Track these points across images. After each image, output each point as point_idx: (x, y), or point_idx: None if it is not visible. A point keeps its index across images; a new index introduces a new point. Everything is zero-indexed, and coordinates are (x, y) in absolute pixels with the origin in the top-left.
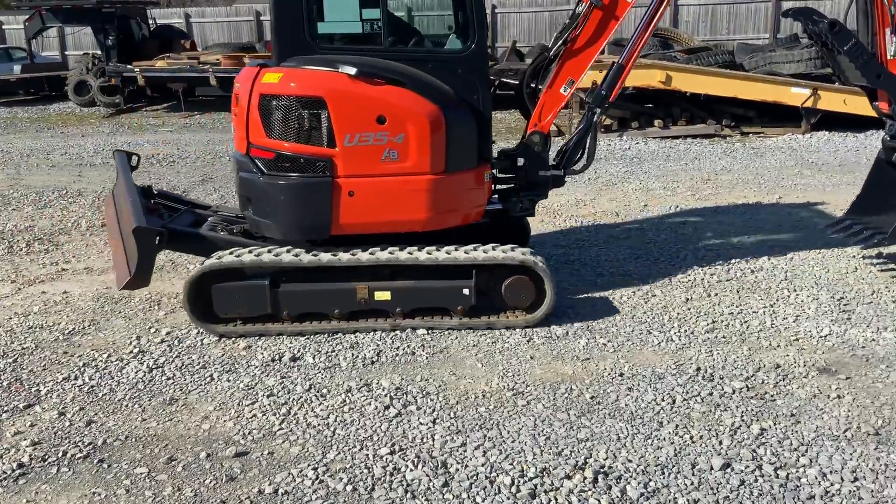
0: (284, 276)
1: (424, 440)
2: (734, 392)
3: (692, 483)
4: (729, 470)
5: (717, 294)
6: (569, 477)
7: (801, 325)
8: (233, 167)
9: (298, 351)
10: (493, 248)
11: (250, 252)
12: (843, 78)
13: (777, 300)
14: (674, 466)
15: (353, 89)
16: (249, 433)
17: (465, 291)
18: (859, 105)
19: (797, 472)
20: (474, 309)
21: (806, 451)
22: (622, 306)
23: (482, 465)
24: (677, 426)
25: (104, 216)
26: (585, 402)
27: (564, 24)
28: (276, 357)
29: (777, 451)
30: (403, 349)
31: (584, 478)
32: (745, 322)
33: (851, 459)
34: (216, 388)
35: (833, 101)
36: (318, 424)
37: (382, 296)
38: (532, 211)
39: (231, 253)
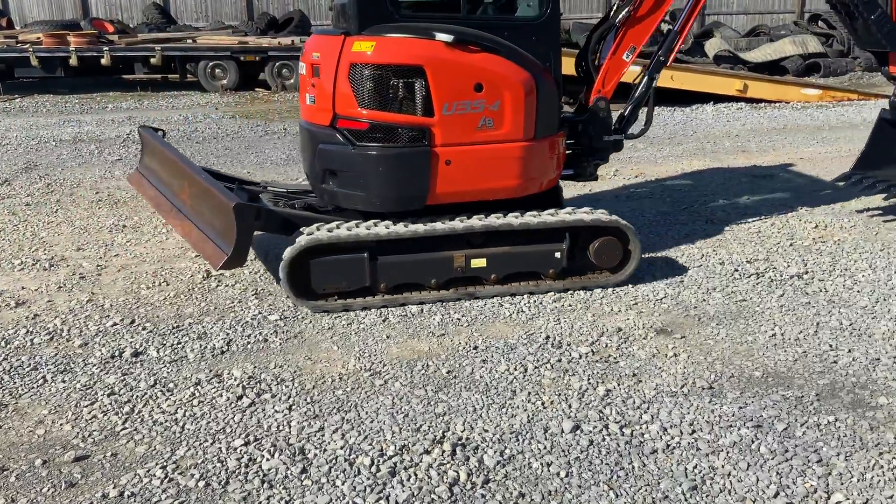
0: (383, 247)
1: (280, 428)
2: (581, 357)
3: (545, 447)
4: (579, 431)
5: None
6: (428, 452)
7: (640, 289)
8: (305, 140)
9: (141, 345)
10: (579, 212)
11: (341, 226)
12: (859, 43)
13: None
14: (527, 432)
15: (451, 57)
16: (90, 435)
17: (557, 255)
18: (686, 80)
19: (640, 428)
20: (564, 271)
21: (648, 408)
22: None
23: (341, 448)
24: (530, 393)
25: (142, 196)
26: (442, 376)
27: None
28: (117, 353)
29: (622, 409)
30: (255, 337)
31: (443, 451)
32: (589, 290)
33: (689, 413)
34: (50, 390)
35: (662, 77)
36: (166, 421)
37: (479, 263)
38: (596, 175)
39: (321, 228)
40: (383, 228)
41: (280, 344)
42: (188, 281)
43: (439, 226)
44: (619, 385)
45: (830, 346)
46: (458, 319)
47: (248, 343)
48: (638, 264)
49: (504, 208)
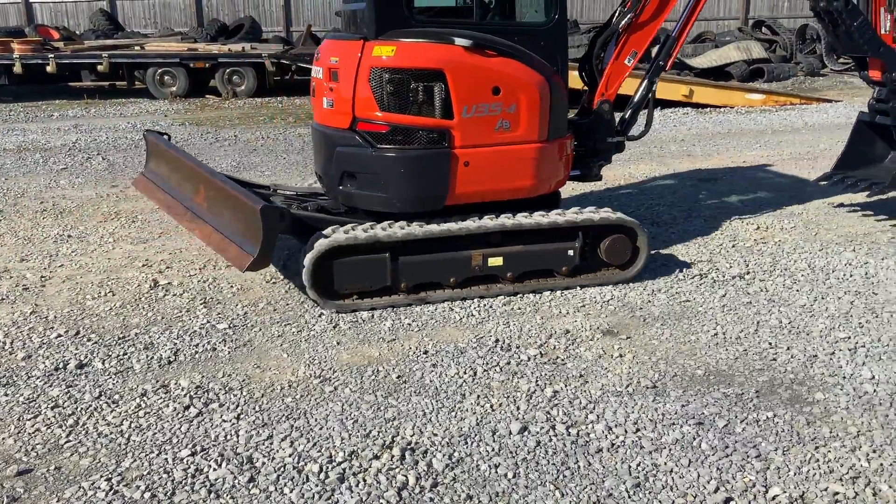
0: (404, 248)
1: (228, 437)
2: (529, 359)
3: (493, 449)
4: (526, 433)
5: None
6: (377, 457)
7: (587, 292)
8: (320, 143)
9: (86, 357)
10: (591, 211)
11: (375, 226)
12: (840, 49)
13: None
14: (476, 435)
15: (470, 61)
16: (33, 449)
17: (570, 252)
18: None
19: (586, 428)
20: (576, 269)
21: (594, 408)
22: None
23: (290, 456)
24: (479, 396)
25: (151, 200)
26: (392, 382)
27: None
28: (61, 365)
29: (568, 410)
30: (203, 346)
31: (392, 456)
32: (538, 293)
33: (633, 412)
34: None
35: None
36: (111, 433)
37: (495, 261)
38: (600, 176)
39: (338, 230)
40: (417, 228)
41: (229, 353)
42: (135, 291)
43: (471, 224)
44: (566, 386)
45: (770, 343)
46: (409, 325)
47: (196, 352)
48: (647, 261)
49: (509, 209)
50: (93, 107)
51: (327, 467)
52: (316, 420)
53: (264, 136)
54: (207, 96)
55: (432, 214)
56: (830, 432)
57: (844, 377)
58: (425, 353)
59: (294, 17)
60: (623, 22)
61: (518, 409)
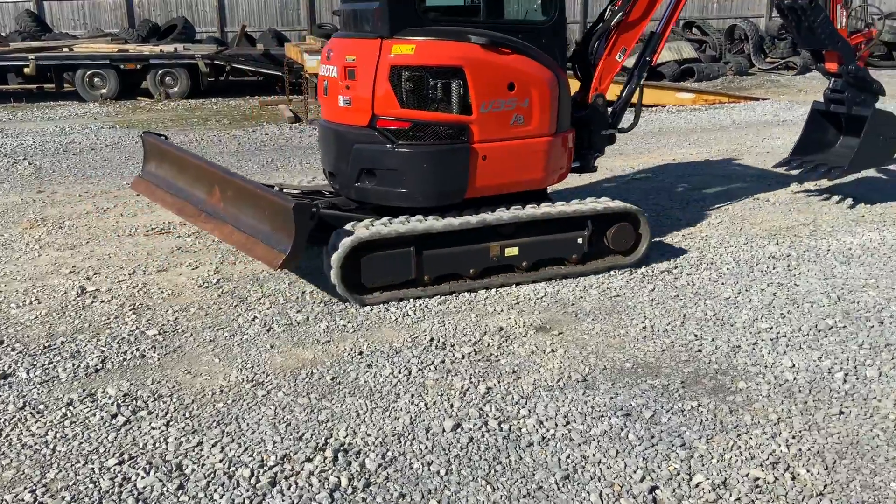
0: (427, 241)
1: (157, 445)
2: (464, 357)
3: (426, 447)
4: (459, 430)
5: None
6: (309, 459)
7: (521, 289)
8: (333, 141)
9: (9, 367)
10: (594, 200)
11: (410, 220)
12: (800, 42)
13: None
14: (409, 434)
15: (487, 58)
16: None
17: (580, 241)
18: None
19: (518, 423)
20: (585, 256)
21: (526, 402)
22: None
23: (220, 462)
24: (413, 396)
25: (155, 201)
26: (326, 384)
27: None
28: None
29: (501, 406)
30: (132, 353)
31: (325, 458)
32: (473, 292)
33: (564, 406)
34: None
35: None
36: (35, 444)
37: (511, 251)
38: (596, 168)
39: (370, 225)
40: (455, 220)
41: (158, 359)
42: (61, 298)
43: (494, 216)
44: (499, 382)
45: (696, 335)
46: (344, 326)
47: (125, 360)
48: (649, 246)
49: (506, 202)
50: (19, 110)
51: (258, 472)
52: (248, 425)
53: (198, 138)
54: (139, 98)
55: (450, 208)
56: (752, 420)
57: (766, 366)
58: (360, 354)
59: (228, 17)
60: (614, 20)
61: (452, 406)
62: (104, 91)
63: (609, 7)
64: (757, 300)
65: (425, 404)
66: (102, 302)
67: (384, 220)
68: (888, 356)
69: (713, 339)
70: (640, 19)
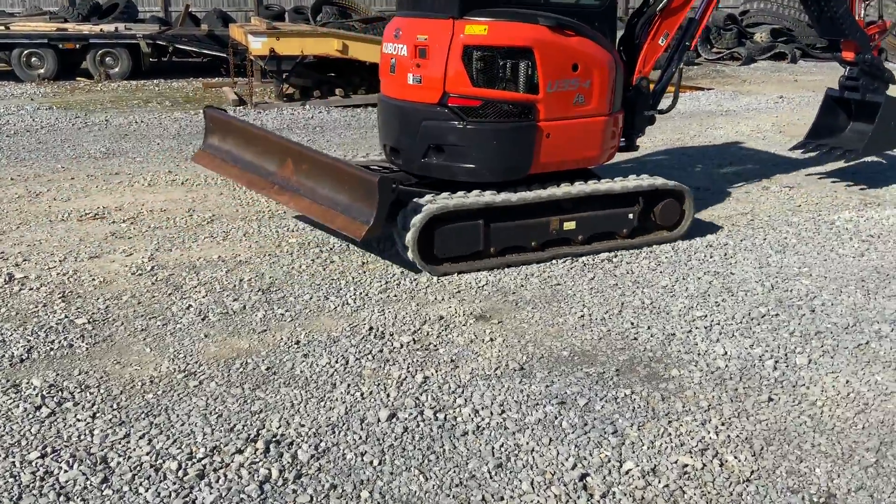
0: (494, 215)
1: (82, 437)
2: (402, 346)
3: (360, 437)
4: (395, 419)
5: (391, 256)
6: (240, 451)
7: (463, 278)
8: (399, 117)
9: None
10: (647, 177)
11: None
12: (818, 31)
13: None
14: (344, 424)
15: (554, 40)
16: None
17: (630, 216)
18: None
19: (454, 412)
20: (633, 230)
21: (462, 391)
22: (300, 274)
23: (147, 455)
24: (349, 385)
25: (220, 174)
26: (261, 374)
27: None
28: None
29: (437, 395)
30: (60, 342)
31: (256, 449)
32: (415, 280)
33: (500, 395)
34: None
35: None
36: None
37: (569, 225)
38: (637, 146)
39: (437, 199)
40: (522, 194)
41: (87, 349)
42: None
43: (567, 189)
44: (436, 372)
45: (632, 324)
46: (282, 315)
47: (52, 350)
48: (692, 223)
49: (556, 179)
50: None
51: (186, 464)
52: (178, 416)
53: (138, 120)
54: (78, 79)
55: (513, 183)
56: (683, 407)
57: (699, 354)
58: (297, 343)
59: None
60: (659, 6)
61: (388, 396)
62: (42, 71)
63: None
64: (693, 288)
65: (361, 394)
66: (31, 289)
67: (459, 193)
68: (818, 344)
69: (649, 328)
70: (683, 6)
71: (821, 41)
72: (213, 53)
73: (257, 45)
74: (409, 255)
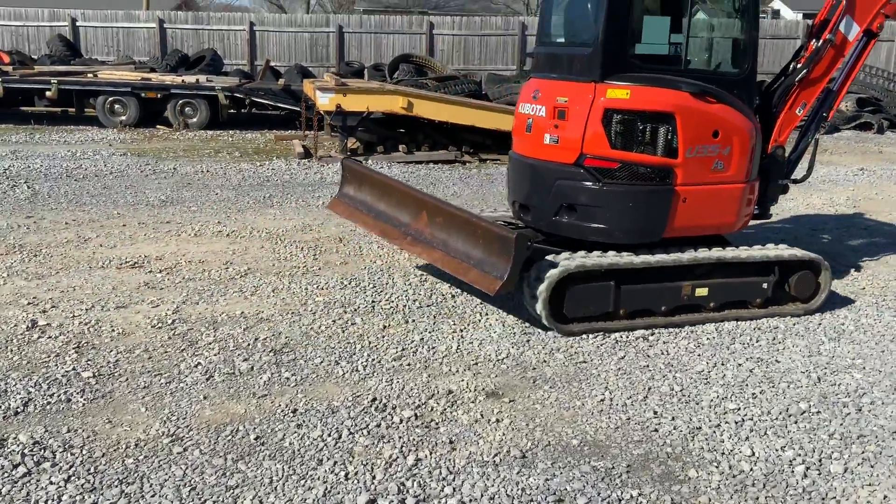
0: (625, 276)
1: (49, 502)
2: (402, 421)
3: None
4: None
5: (414, 320)
6: None
7: (484, 348)
8: (533, 176)
9: None
10: (786, 247)
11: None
12: None
13: (468, 324)
14: None
15: (696, 106)
16: None
17: (765, 285)
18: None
19: (438, 502)
20: (767, 301)
21: (454, 479)
22: (317, 335)
23: None
24: (336, 463)
25: (353, 222)
26: (248, 443)
27: (794, 53)
28: None
29: (425, 482)
30: (59, 396)
31: None
32: (433, 348)
33: (493, 485)
34: None
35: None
36: None
37: (701, 291)
38: (771, 215)
39: (572, 258)
40: (666, 256)
41: (83, 404)
42: (9, 332)
43: (706, 254)
44: (431, 454)
45: (655, 412)
46: (287, 379)
47: (48, 403)
48: (828, 295)
49: (689, 244)
50: (38, 133)
51: None
52: (150, 486)
53: (204, 169)
54: (158, 127)
55: (645, 246)
56: None
57: (723, 453)
58: (294, 411)
59: (259, 51)
60: (798, 76)
61: (374, 478)
62: (124, 118)
63: (793, 63)
64: (731, 376)
65: (346, 474)
66: (49, 338)
67: (595, 253)
68: (858, 449)
69: (673, 419)
70: (822, 77)
71: None
72: (288, 107)
73: (324, 101)
74: (539, 311)
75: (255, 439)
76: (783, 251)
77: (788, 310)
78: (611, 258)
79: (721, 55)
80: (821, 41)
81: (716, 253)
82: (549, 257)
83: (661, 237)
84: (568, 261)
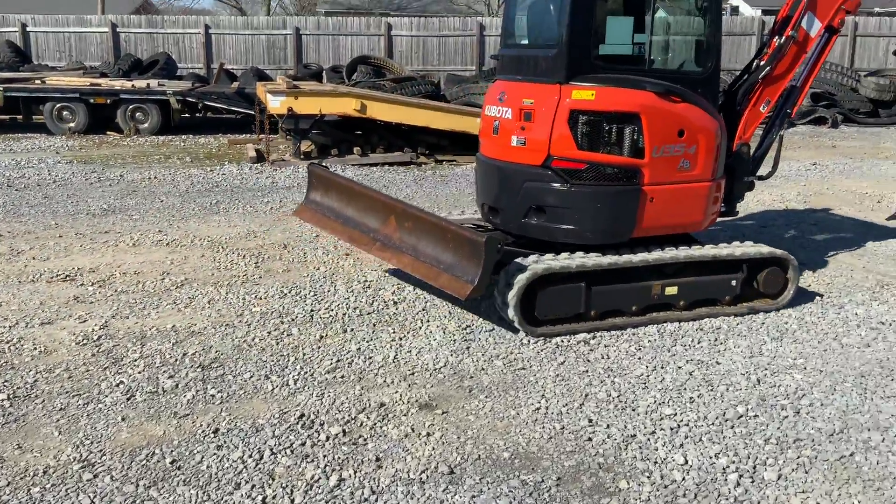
0: (596, 277)
1: None
2: (328, 439)
3: None
4: None
5: (353, 329)
6: None
7: (422, 357)
8: (501, 178)
9: None
10: (753, 245)
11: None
12: None
13: (408, 332)
14: None
15: (661, 106)
16: None
17: (733, 283)
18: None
19: None
20: (735, 298)
21: (376, 500)
22: (250, 348)
23: None
24: (254, 486)
25: (321, 229)
26: (164, 468)
27: (757, 50)
28: None
29: (346, 503)
30: None
31: None
32: (370, 358)
33: None
34: None
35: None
36: None
37: (671, 290)
38: (737, 212)
39: (540, 260)
40: (625, 256)
41: None
42: None
43: (674, 253)
44: (355, 473)
45: (590, 420)
46: (212, 397)
47: None
48: (796, 291)
49: (657, 243)
50: None
51: None
52: None
53: (152, 176)
54: (109, 133)
55: (614, 247)
56: None
57: (656, 462)
58: (216, 431)
59: (216, 55)
60: (761, 73)
61: (292, 502)
62: (73, 125)
63: (756, 61)
64: (670, 380)
65: (263, 499)
66: None
67: (564, 254)
68: (794, 454)
69: (608, 426)
70: (785, 73)
71: (864, 106)
72: (242, 111)
73: (276, 104)
74: (510, 314)
75: (171, 463)
76: (750, 248)
77: (758, 306)
78: (579, 259)
79: (685, 54)
80: (783, 38)
81: (685, 252)
82: (518, 260)
83: (630, 237)
84: (537, 264)
